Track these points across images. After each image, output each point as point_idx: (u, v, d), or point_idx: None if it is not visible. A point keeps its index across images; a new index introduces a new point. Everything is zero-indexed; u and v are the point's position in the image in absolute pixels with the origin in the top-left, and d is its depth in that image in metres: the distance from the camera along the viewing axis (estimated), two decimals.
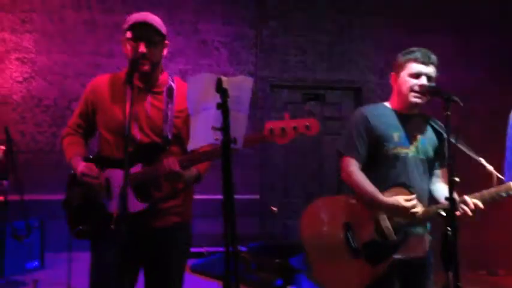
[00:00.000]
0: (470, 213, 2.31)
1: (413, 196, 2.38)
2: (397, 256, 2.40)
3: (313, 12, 5.04)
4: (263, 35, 4.94)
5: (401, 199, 2.37)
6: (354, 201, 2.52)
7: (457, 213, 2.32)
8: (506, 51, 5.31)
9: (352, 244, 2.46)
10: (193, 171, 2.32)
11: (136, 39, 2.25)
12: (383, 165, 2.48)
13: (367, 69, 5.15)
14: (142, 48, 2.23)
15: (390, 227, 2.43)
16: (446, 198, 2.03)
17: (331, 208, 2.60)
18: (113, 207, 2.22)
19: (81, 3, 4.61)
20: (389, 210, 2.40)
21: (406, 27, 5.17)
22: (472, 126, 5.09)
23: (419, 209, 2.38)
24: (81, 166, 2.29)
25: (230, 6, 4.87)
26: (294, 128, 2.05)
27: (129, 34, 2.27)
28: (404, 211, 2.36)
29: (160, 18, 2.41)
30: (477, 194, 2.37)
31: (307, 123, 2.06)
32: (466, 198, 2.34)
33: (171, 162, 2.16)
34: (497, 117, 5.00)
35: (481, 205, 2.32)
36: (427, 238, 2.51)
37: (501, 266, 5.10)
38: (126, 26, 2.30)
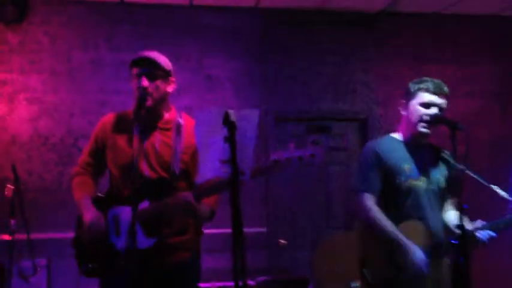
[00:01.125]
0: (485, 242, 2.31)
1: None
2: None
3: (316, 45, 5.12)
4: (267, 69, 5.01)
5: (417, 251, 2.34)
6: (369, 237, 2.49)
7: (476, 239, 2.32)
8: (508, 78, 5.35)
9: (370, 280, 2.42)
10: (206, 208, 2.33)
11: (138, 74, 2.31)
12: (396, 198, 2.47)
13: (371, 101, 5.18)
14: (143, 83, 2.28)
15: (408, 261, 2.39)
16: (457, 226, 2.02)
17: (344, 244, 2.56)
18: (122, 244, 2.22)
19: (87, 43, 4.71)
20: (404, 252, 2.37)
21: (408, 58, 5.23)
22: (475, 152, 5.07)
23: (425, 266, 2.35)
24: (88, 216, 2.29)
25: (234, 41, 4.96)
26: (299, 157, 2.07)
27: (132, 71, 2.34)
28: (412, 261, 2.34)
29: (166, 56, 2.46)
30: (490, 223, 2.36)
31: (312, 153, 2.08)
32: (478, 229, 2.32)
33: (187, 195, 2.17)
34: (499, 143, 5.04)
35: (493, 234, 2.31)
36: (446, 262, 2.47)
37: None
38: (131, 63, 2.37)
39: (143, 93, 2.27)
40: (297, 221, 5.07)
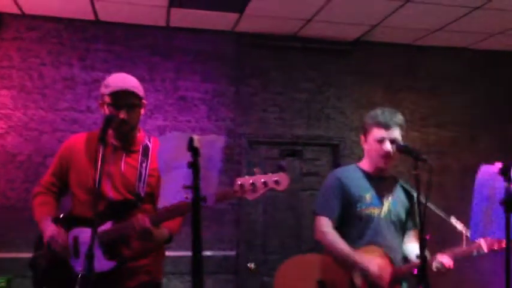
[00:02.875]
0: (445, 269, 2.33)
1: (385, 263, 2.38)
2: None
3: (291, 71, 5.17)
4: (242, 92, 5.04)
5: (373, 262, 2.37)
6: (327, 259, 2.51)
7: (433, 270, 2.34)
8: (478, 108, 5.48)
9: None
10: (164, 231, 2.30)
11: (117, 106, 2.28)
12: (356, 225, 2.53)
13: (344, 126, 5.25)
14: (123, 115, 2.27)
15: (365, 284, 2.41)
16: (418, 256, 2.05)
17: (304, 267, 2.60)
18: (80, 266, 2.17)
19: (61, 61, 4.66)
20: (360, 270, 2.40)
21: (381, 86, 5.33)
22: (445, 182, 5.17)
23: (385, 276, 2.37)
24: (49, 230, 2.25)
25: (209, 64, 4.98)
26: (264, 183, 2.08)
27: (108, 99, 2.30)
28: (372, 276, 2.37)
29: (141, 76, 2.45)
30: (448, 252, 2.40)
31: (277, 179, 2.09)
32: (439, 257, 2.36)
33: (141, 219, 2.15)
34: (470, 174, 5.12)
35: (451, 263, 2.35)
36: None
37: None
38: (106, 91, 2.31)
39: (123, 124, 2.28)
40: (267, 245, 5.04)
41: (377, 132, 2.51)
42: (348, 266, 2.43)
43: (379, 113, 2.56)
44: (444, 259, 2.37)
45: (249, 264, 4.82)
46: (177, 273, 4.48)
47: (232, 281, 4.78)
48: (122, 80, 2.34)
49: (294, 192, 5.11)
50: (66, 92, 4.64)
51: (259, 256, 4.97)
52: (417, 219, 2.62)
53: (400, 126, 2.55)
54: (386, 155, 2.48)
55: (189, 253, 4.59)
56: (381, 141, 2.51)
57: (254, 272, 4.81)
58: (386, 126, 2.50)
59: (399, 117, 2.55)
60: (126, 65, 4.65)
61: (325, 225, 2.52)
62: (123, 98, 2.29)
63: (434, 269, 2.35)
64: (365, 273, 2.39)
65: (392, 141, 2.50)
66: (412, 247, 2.57)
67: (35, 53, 4.62)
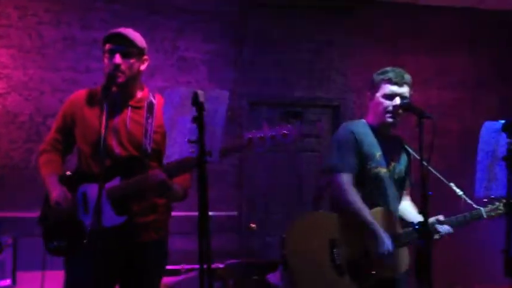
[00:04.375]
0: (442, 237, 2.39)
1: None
2: (380, 274, 2.42)
3: (293, 31, 5.10)
4: (243, 53, 4.98)
5: (386, 240, 2.38)
6: (341, 218, 2.52)
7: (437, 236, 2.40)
8: (479, 70, 5.45)
9: (337, 261, 2.46)
10: (178, 188, 2.32)
11: (111, 50, 2.27)
12: (366, 183, 2.52)
13: (346, 88, 5.22)
14: (117, 59, 2.25)
15: (376, 247, 2.45)
16: (420, 212, 2.07)
17: (317, 224, 2.58)
18: (90, 221, 2.20)
19: (60, 20, 4.59)
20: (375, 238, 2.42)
21: (383, 47, 5.27)
22: (446, 143, 5.19)
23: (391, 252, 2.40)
24: (55, 193, 2.26)
25: (210, 24, 4.90)
26: (272, 136, 2.08)
27: (105, 46, 2.29)
28: (381, 248, 2.38)
29: (140, 35, 2.42)
30: (451, 218, 2.45)
31: (285, 132, 2.09)
32: (440, 226, 2.41)
33: (159, 173, 2.16)
34: (471, 135, 5.14)
35: (451, 230, 2.41)
36: (405, 251, 2.53)
37: (476, 282, 5.15)
38: (104, 39, 2.31)
39: (115, 70, 2.23)
40: (268, 205, 5.10)
41: (388, 88, 2.49)
42: (363, 228, 2.45)
43: (390, 70, 2.54)
44: (444, 227, 2.42)
45: (250, 224, 4.88)
46: (179, 232, 4.54)
47: (235, 241, 4.85)
48: (120, 28, 2.33)
49: (294, 153, 5.13)
50: (66, 52, 4.59)
51: (260, 216, 5.04)
52: (411, 178, 2.67)
53: (409, 85, 2.53)
54: (396, 110, 2.47)
55: (190, 213, 4.63)
56: (391, 96, 2.49)
57: (255, 231, 4.88)
58: (398, 83, 2.49)
59: (409, 77, 2.55)
60: (125, 24, 4.47)
61: (347, 183, 2.47)
62: (117, 42, 2.27)
63: (437, 236, 2.41)
64: (377, 245, 2.41)
65: (403, 98, 2.49)
66: (406, 205, 2.63)
67: (32, 11, 4.54)
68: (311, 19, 5.13)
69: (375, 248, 2.39)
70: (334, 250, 2.47)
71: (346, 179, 2.50)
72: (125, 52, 2.28)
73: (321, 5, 5.10)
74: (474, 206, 2.46)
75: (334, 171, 2.54)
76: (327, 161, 2.63)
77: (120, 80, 2.26)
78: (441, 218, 2.46)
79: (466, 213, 2.47)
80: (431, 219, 2.38)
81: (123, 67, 2.26)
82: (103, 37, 2.33)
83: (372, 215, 2.45)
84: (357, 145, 2.52)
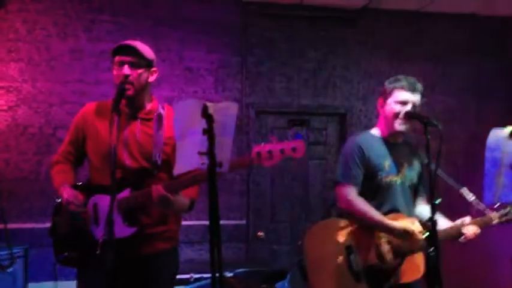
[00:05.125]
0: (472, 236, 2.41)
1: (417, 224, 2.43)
2: (395, 281, 2.43)
3: (297, 40, 5.15)
4: (248, 62, 5.03)
5: (408, 224, 2.42)
6: (354, 225, 2.55)
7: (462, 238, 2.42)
8: (483, 77, 5.46)
9: (354, 267, 2.48)
10: (185, 199, 2.34)
11: (120, 62, 2.30)
12: (376, 194, 2.56)
13: (351, 95, 5.25)
14: (125, 70, 2.28)
15: (390, 251, 2.47)
16: (429, 220, 2.09)
17: (332, 231, 2.61)
18: (100, 233, 2.22)
19: (67, 32, 4.65)
20: (399, 234, 2.44)
21: (388, 55, 5.30)
22: (452, 149, 5.20)
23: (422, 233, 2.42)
24: (67, 194, 2.30)
25: (215, 34, 4.95)
26: (281, 150, 2.10)
27: (114, 58, 2.33)
28: (412, 235, 2.40)
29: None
30: (473, 221, 2.48)
31: (294, 146, 2.11)
32: (467, 229, 2.44)
33: (160, 187, 2.18)
34: (477, 142, 5.15)
35: (478, 230, 2.43)
36: (423, 258, 2.54)
37: (486, 286, 5.13)
38: (111, 51, 2.36)
39: (124, 81, 2.27)
40: (276, 214, 5.11)
41: (401, 94, 2.53)
42: (383, 231, 2.47)
43: (403, 78, 2.58)
44: (473, 228, 2.45)
45: (258, 233, 4.90)
46: (188, 241, 4.57)
47: (243, 249, 4.87)
48: (128, 41, 2.37)
49: (301, 161, 5.15)
50: (74, 64, 4.65)
51: (268, 225, 5.05)
52: (425, 184, 2.68)
53: (421, 94, 2.58)
54: (406, 116, 2.49)
55: (198, 222, 4.65)
56: (404, 103, 2.52)
57: (263, 240, 4.90)
58: (411, 90, 2.52)
59: (421, 85, 2.59)
60: (131, 36, 4.55)
61: (351, 193, 2.52)
62: (126, 54, 2.30)
63: (464, 241, 2.44)
64: (404, 234, 2.42)
65: (415, 106, 2.53)
66: (422, 209, 2.63)
67: (40, 24, 4.61)
68: (315, 28, 5.17)
69: (406, 239, 2.41)
70: (351, 256, 2.50)
71: (347, 189, 2.55)
72: (133, 63, 2.31)
73: (324, 15, 5.14)
74: (485, 211, 2.48)
75: (339, 183, 2.60)
76: (334, 174, 2.68)
77: (130, 92, 2.30)
78: (467, 220, 2.49)
79: (478, 219, 2.49)
80: (458, 222, 2.43)
81: (131, 78, 2.29)
82: (112, 49, 2.37)
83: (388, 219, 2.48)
84: (363, 158, 2.56)
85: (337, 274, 2.49)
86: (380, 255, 2.48)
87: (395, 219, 2.50)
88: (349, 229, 2.55)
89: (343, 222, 2.62)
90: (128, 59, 2.31)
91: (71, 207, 2.27)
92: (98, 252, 1.93)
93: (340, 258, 2.50)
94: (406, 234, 2.42)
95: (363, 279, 2.46)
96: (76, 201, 2.27)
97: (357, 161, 2.55)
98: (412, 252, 2.46)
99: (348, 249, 2.51)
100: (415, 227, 2.41)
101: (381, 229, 2.47)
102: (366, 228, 2.50)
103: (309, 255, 2.59)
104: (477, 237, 2.45)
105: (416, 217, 2.60)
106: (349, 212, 2.54)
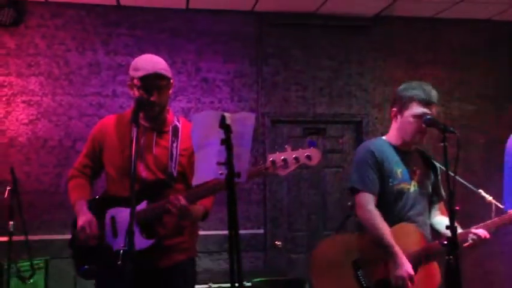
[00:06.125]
0: (481, 240, 2.35)
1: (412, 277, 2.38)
2: None
3: (311, 49, 5.17)
4: (263, 72, 5.06)
5: (406, 265, 2.36)
6: (364, 239, 2.50)
7: (467, 244, 2.36)
8: (501, 80, 5.41)
9: (363, 283, 2.45)
10: (200, 208, 2.36)
11: (148, 90, 2.31)
12: (389, 201, 2.50)
13: (367, 103, 5.24)
14: (154, 99, 2.30)
15: (395, 273, 2.42)
16: (447, 227, 2.06)
17: (339, 247, 2.58)
18: (119, 245, 2.24)
19: (85, 47, 4.74)
20: (395, 263, 2.39)
21: (403, 61, 5.29)
22: (470, 155, 5.15)
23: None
24: (81, 220, 2.31)
25: (230, 45, 5.00)
26: (296, 158, 2.10)
27: (138, 82, 2.32)
28: (399, 271, 2.36)
29: (163, 59, 2.48)
30: (482, 225, 2.41)
31: (309, 154, 2.11)
32: (474, 230, 2.37)
33: (177, 198, 2.20)
34: (494, 147, 5.11)
35: (487, 235, 2.36)
36: (437, 269, 2.50)
37: None
38: (136, 74, 2.32)
39: (154, 106, 2.31)
40: (293, 223, 5.11)
41: (418, 108, 2.44)
42: (386, 252, 2.43)
43: (418, 87, 2.48)
44: (479, 231, 2.37)
45: (276, 242, 4.90)
46: (206, 251, 4.59)
47: (261, 258, 4.87)
48: (151, 63, 2.34)
49: (317, 170, 5.15)
50: (92, 77, 4.73)
51: (285, 234, 5.05)
52: (442, 191, 2.63)
53: (438, 102, 2.51)
54: (425, 131, 2.45)
55: (216, 232, 4.67)
56: (421, 116, 2.46)
57: (281, 249, 4.89)
58: (428, 103, 2.44)
59: (436, 93, 2.50)
60: (148, 49, 4.67)
61: (370, 203, 2.45)
62: (153, 82, 2.31)
63: (470, 241, 2.36)
64: (397, 267, 2.38)
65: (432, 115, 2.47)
66: (440, 219, 2.57)
67: (59, 39, 4.70)
68: (329, 37, 5.19)
69: (394, 270, 2.37)
70: (359, 272, 2.46)
71: (367, 198, 2.48)
72: (160, 87, 2.33)
73: (338, 24, 5.15)
74: (505, 209, 2.41)
75: (355, 192, 2.53)
76: (349, 182, 2.62)
77: (153, 114, 2.34)
78: (477, 231, 2.42)
79: (499, 218, 2.42)
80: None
81: (160, 103, 2.34)
82: (134, 69, 2.35)
83: (393, 233, 2.42)
84: (377, 163, 2.50)
85: None
86: (388, 270, 2.43)
87: (402, 233, 2.45)
88: (357, 243, 2.51)
89: (350, 237, 2.59)
90: (156, 85, 2.31)
91: (81, 236, 2.29)
92: (119, 263, 1.95)
93: (348, 274, 2.45)
94: (399, 266, 2.36)
95: None
96: (89, 228, 2.29)
97: (371, 166, 2.50)
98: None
99: (356, 264, 2.48)
100: (406, 266, 2.36)
101: (385, 248, 2.42)
102: (376, 242, 2.45)
103: (315, 275, 2.57)
104: (482, 242, 2.37)
105: (430, 225, 2.57)
106: (363, 220, 2.49)
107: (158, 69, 2.32)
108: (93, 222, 2.30)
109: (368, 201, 2.47)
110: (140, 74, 2.31)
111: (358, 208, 2.52)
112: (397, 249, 2.38)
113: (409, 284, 2.33)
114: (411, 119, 2.47)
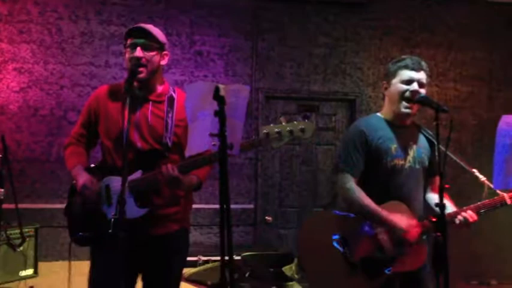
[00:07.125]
0: (468, 223, 2.37)
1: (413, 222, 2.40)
2: (394, 270, 2.43)
3: (307, 26, 5.12)
4: (258, 47, 5.02)
5: (401, 219, 2.39)
6: (350, 216, 2.53)
7: (454, 225, 2.38)
8: (496, 62, 5.42)
9: (350, 259, 2.49)
10: (193, 178, 2.36)
11: (133, 44, 2.32)
12: (382, 178, 2.50)
13: (361, 82, 5.23)
14: (138, 53, 2.30)
15: (389, 241, 2.44)
16: (437, 205, 2.08)
17: (327, 223, 2.59)
18: (112, 213, 2.24)
19: (78, 15, 4.66)
20: (389, 227, 2.42)
21: (399, 41, 5.27)
22: (462, 136, 5.18)
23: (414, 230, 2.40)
24: (82, 180, 2.33)
25: (226, 18, 4.94)
26: (290, 131, 2.09)
27: (125, 41, 2.35)
28: (400, 232, 2.39)
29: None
30: (472, 206, 2.42)
31: (303, 126, 2.10)
32: (463, 212, 2.39)
33: (170, 168, 2.20)
34: (487, 129, 5.13)
35: (475, 217, 2.38)
36: (425, 248, 2.53)
37: (493, 276, 5.14)
38: (124, 34, 2.36)
39: (137, 63, 2.28)
40: (284, 198, 5.14)
41: (405, 74, 2.46)
42: (375, 222, 2.45)
43: (406, 57, 2.52)
44: (467, 213, 2.39)
45: (266, 217, 4.94)
46: (196, 225, 4.62)
47: (250, 233, 4.91)
48: (141, 23, 2.38)
49: (310, 147, 5.16)
50: (84, 47, 4.66)
51: (276, 209, 5.09)
52: (436, 166, 2.63)
53: (426, 72, 2.51)
54: (412, 97, 2.44)
55: (207, 206, 4.68)
56: (409, 82, 2.45)
57: (271, 224, 4.93)
58: (415, 68, 2.46)
59: (425, 64, 2.52)
60: (141, 19, 4.63)
61: (349, 182, 2.48)
62: (139, 36, 2.31)
63: (457, 222, 2.38)
64: (393, 229, 2.42)
65: (421, 85, 2.47)
66: (433, 196, 2.59)
67: (52, 7, 4.62)
68: (325, 14, 5.14)
69: (395, 233, 2.40)
70: (346, 248, 2.49)
71: (347, 178, 2.50)
72: (146, 45, 2.32)
73: (335, 0, 5.10)
74: (493, 188, 2.41)
75: (338, 171, 2.56)
76: (335, 160, 2.63)
77: (142, 75, 2.31)
78: (465, 213, 2.44)
79: (490, 199, 2.43)
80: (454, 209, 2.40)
81: (144, 60, 2.31)
82: (124, 32, 2.38)
83: (384, 209, 2.44)
84: (366, 144, 2.50)
85: (331, 266, 2.48)
86: (378, 246, 2.45)
87: (393, 207, 2.47)
88: (344, 220, 2.52)
89: (339, 214, 2.59)
90: (141, 41, 2.32)
91: (86, 192, 2.30)
92: (110, 231, 1.96)
93: (335, 250, 2.48)
94: (394, 228, 2.41)
95: (359, 271, 2.45)
96: (92, 187, 2.30)
97: (357, 146, 2.50)
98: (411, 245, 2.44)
99: (343, 240, 2.50)
100: (407, 224, 2.39)
101: (373, 219, 2.45)
102: (362, 219, 2.47)
103: (304, 248, 2.60)
104: (469, 224, 2.39)
105: (425, 203, 2.59)
106: (345, 199, 2.51)
107: (145, 26, 2.33)
108: (94, 180, 2.31)
109: (347, 181, 2.50)
110: (127, 30, 2.35)
111: (338, 186, 2.56)
112: (385, 213, 2.41)
113: (411, 234, 2.37)
114: (398, 85, 2.48)
